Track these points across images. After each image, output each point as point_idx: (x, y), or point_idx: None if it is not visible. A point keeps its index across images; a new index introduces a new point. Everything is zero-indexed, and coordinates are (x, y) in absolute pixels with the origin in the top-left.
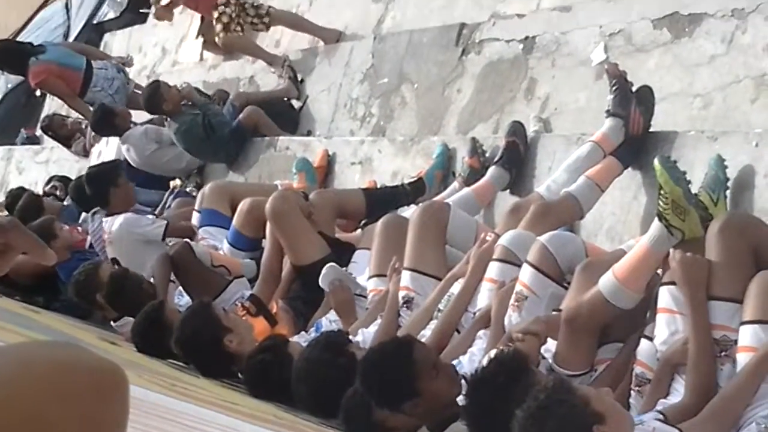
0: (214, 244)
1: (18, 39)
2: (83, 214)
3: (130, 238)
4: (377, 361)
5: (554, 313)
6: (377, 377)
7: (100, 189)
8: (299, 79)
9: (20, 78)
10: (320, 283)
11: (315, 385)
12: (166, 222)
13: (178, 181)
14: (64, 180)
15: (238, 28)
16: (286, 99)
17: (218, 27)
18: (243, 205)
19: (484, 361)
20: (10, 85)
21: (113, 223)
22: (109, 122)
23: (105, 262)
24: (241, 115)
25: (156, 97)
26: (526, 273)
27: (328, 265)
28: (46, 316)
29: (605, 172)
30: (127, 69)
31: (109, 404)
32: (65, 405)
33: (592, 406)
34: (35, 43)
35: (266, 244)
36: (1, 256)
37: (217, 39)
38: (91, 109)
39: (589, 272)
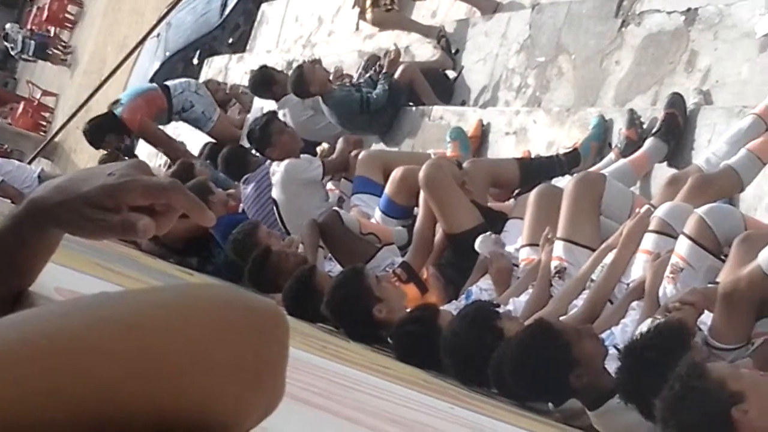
0: (366, 211)
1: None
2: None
3: (293, 183)
4: (527, 358)
5: (711, 285)
6: (534, 374)
7: (266, 145)
8: (454, 50)
9: (178, 46)
10: (477, 249)
11: (461, 359)
12: (322, 162)
13: (325, 145)
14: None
15: (389, 2)
16: (441, 69)
17: (368, 2)
18: (396, 173)
19: (639, 331)
20: (168, 53)
21: (277, 169)
22: (267, 86)
23: (261, 224)
24: (395, 74)
25: (302, 81)
26: (682, 245)
27: (484, 234)
28: (200, 278)
29: (767, 146)
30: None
31: (268, 344)
32: (225, 340)
33: (728, 387)
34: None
35: (419, 211)
36: (162, 216)
37: (366, 15)
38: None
39: (748, 246)
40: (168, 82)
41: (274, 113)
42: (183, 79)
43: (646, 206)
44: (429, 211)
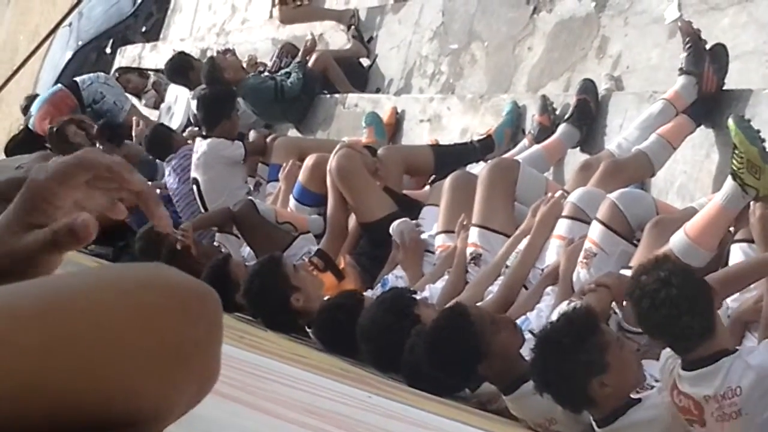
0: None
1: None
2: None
3: (217, 161)
4: (439, 340)
5: (624, 271)
6: (445, 357)
7: (214, 114)
8: (367, 38)
9: (90, 35)
10: (391, 233)
11: (378, 346)
12: (242, 143)
13: None
14: None
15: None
16: (355, 57)
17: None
18: (309, 161)
19: (553, 317)
20: (80, 42)
21: (200, 146)
22: (184, 72)
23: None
24: (309, 62)
25: (214, 71)
26: (595, 230)
27: (401, 220)
28: None
29: (677, 130)
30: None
31: (194, 324)
32: (145, 323)
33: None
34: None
35: (329, 199)
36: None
37: (275, 12)
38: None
39: (660, 230)
40: (76, 78)
41: (235, 92)
42: (92, 74)
43: (559, 192)
44: (340, 198)
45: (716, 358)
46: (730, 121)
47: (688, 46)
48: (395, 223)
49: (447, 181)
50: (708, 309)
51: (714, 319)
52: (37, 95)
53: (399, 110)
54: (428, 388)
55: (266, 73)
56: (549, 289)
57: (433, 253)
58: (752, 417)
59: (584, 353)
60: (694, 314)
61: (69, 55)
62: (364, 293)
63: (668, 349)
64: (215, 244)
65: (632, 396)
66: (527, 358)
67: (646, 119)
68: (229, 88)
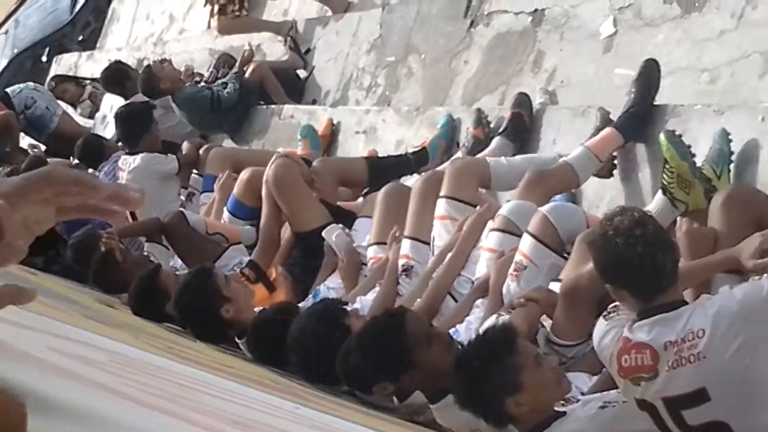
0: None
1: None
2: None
3: (149, 176)
4: (370, 337)
5: (553, 284)
6: (372, 353)
7: (133, 130)
8: (304, 49)
9: (26, 43)
10: (328, 240)
11: (309, 356)
12: (176, 156)
13: None
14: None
15: (237, 9)
16: (292, 69)
17: (215, 8)
18: (244, 174)
19: (482, 330)
20: (16, 50)
21: (132, 162)
22: (119, 81)
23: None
24: (246, 73)
25: (151, 80)
26: (526, 243)
27: (337, 226)
28: (44, 279)
29: (605, 143)
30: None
31: None
32: None
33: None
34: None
35: (263, 210)
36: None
37: (212, 23)
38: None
39: None
40: (6, 89)
41: (151, 104)
42: (20, 83)
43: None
44: (274, 209)
45: (677, 305)
46: (662, 136)
47: None
48: (333, 231)
49: (380, 193)
50: (676, 253)
51: (677, 270)
52: None
53: (335, 122)
54: (360, 387)
55: (203, 84)
56: (479, 301)
57: (365, 264)
58: (710, 361)
59: (497, 374)
60: (667, 252)
61: (4, 62)
62: (297, 304)
63: (605, 323)
64: (144, 254)
65: (557, 409)
66: None
67: None
68: (143, 103)
